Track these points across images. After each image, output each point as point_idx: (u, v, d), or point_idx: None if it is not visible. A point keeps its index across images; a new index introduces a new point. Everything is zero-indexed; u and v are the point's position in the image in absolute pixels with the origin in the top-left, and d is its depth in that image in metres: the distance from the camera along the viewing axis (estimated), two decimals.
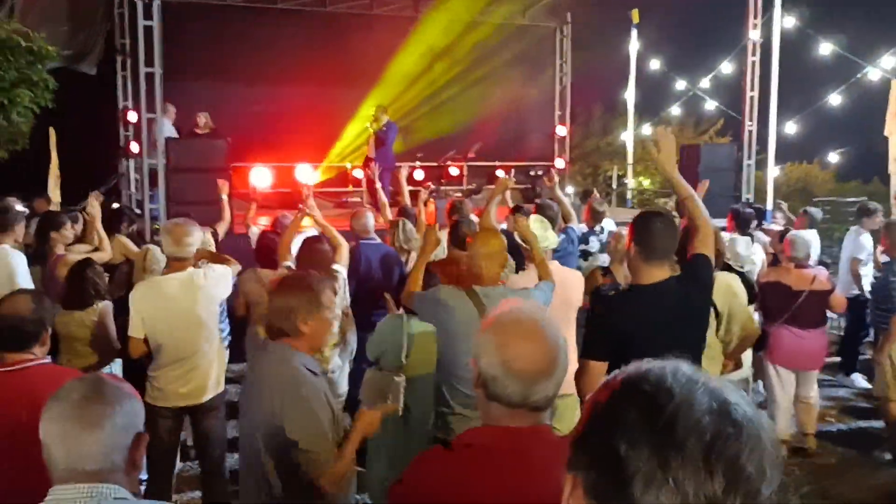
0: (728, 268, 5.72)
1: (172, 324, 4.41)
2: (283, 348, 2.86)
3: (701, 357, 3.41)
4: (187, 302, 4.41)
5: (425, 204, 7.82)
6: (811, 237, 7.46)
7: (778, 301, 6.26)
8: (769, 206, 12.53)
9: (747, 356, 5.74)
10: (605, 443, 0.91)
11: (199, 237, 4.58)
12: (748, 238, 6.38)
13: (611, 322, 3.31)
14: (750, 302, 5.71)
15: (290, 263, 5.52)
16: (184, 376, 4.48)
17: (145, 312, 4.39)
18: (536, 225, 4.86)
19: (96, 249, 6.27)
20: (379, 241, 6.41)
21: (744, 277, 5.68)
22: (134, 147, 13.11)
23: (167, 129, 12.29)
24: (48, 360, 3.17)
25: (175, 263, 4.49)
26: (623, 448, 0.88)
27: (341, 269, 5.21)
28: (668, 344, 3.20)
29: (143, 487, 4.86)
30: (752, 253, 6.10)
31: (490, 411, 1.86)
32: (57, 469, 1.80)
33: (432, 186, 8.71)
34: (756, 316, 6.01)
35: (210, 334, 4.51)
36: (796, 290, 6.25)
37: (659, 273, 3.30)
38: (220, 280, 4.54)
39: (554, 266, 4.72)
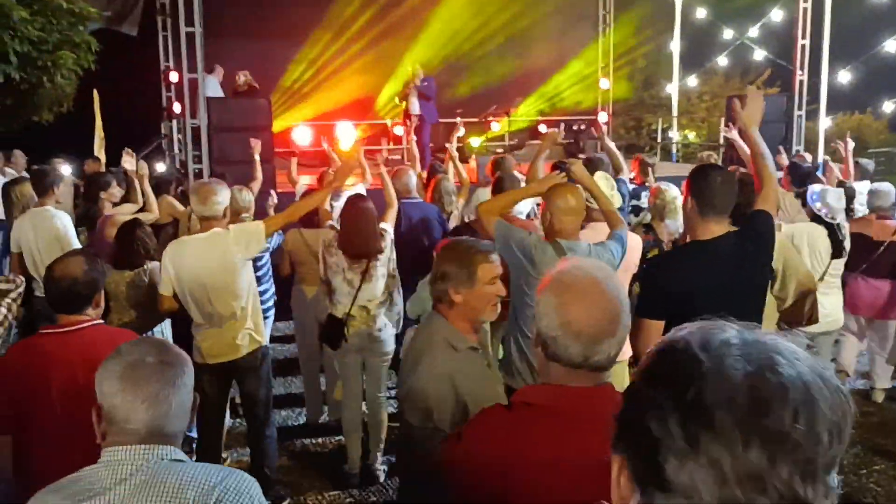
0: (818, 219, 5.62)
1: (198, 282, 4.41)
2: (434, 317, 2.75)
3: (761, 314, 3.32)
4: (211, 261, 4.39)
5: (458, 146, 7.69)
6: (863, 188, 7.24)
7: (859, 252, 6.21)
8: (820, 158, 12.19)
9: (836, 308, 5.71)
10: (638, 421, 0.86)
11: (226, 196, 4.54)
12: (840, 190, 6.16)
13: (667, 279, 3.22)
14: (838, 255, 5.60)
15: (334, 222, 5.50)
16: (216, 334, 4.51)
17: (173, 270, 4.42)
18: (602, 182, 4.63)
19: (143, 209, 6.31)
20: (420, 199, 6.34)
21: (832, 230, 5.58)
22: (176, 107, 13.17)
23: (214, 88, 12.33)
24: (101, 321, 3.17)
25: (204, 223, 4.49)
26: (654, 426, 0.83)
27: (388, 227, 5.18)
28: (728, 301, 3.09)
29: (193, 445, 4.96)
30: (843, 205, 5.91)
31: (550, 371, 1.82)
32: (116, 426, 1.79)
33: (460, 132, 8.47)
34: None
35: (238, 291, 4.48)
36: (877, 241, 6.26)
37: (717, 228, 3.21)
38: (248, 238, 4.49)
39: None
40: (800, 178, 7.29)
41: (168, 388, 1.82)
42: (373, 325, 5.10)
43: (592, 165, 5.89)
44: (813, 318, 5.16)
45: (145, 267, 5.03)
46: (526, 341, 3.79)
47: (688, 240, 3.43)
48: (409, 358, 2.68)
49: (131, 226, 5.15)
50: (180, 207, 6.88)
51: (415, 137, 11.78)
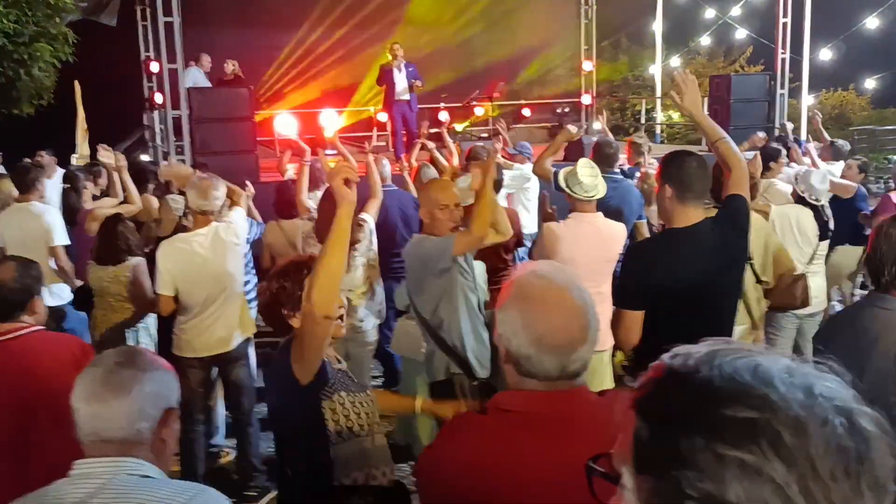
0: (802, 201, 5.55)
1: (202, 278, 4.47)
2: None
3: (737, 302, 3.31)
4: (216, 257, 4.48)
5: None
6: (836, 170, 7.26)
7: None
8: (803, 136, 12.22)
9: (822, 289, 5.64)
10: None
11: (224, 191, 4.61)
12: (825, 171, 6.11)
13: (646, 269, 3.18)
14: (825, 237, 5.53)
15: (312, 214, 5.49)
16: (212, 326, 4.55)
17: (174, 269, 4.44)
18: (586, 171, 4.48)
19: (123, 202, 6.25)
20: (395, 187, 6.32)
21: (817, 212, 5.49)
22: (158, 98, 13.06)
23: (199, 78, 12.24)
24: (41, 328, 3.10)
25: (200, 217, 4.53)
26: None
27: (369, 218, 5.17)
28: (707, 289, 3.13)
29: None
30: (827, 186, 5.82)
31: (524, 385, 1.74)
32: (83, 435, 1.77)
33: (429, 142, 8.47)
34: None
35: (235, 284, 4.60)
36: None
37: (694, 214, 3.16)
38: (241, 226, 4.61)
39: (599, 220, 4.53)
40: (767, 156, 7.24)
41: (136, 399, 1.77)
42: (353, 315, 5.06)
43: (600, 150, 5.81)
44: (806, 302, 5.16)
45: (128, 262, 5.01)
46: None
47: (663, 227, 3.41)
48: None
49: (113, 221, 5.12)
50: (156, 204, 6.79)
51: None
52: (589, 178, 4.46)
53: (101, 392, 1.77)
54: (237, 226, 4.70)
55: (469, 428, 1.81)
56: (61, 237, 5.83)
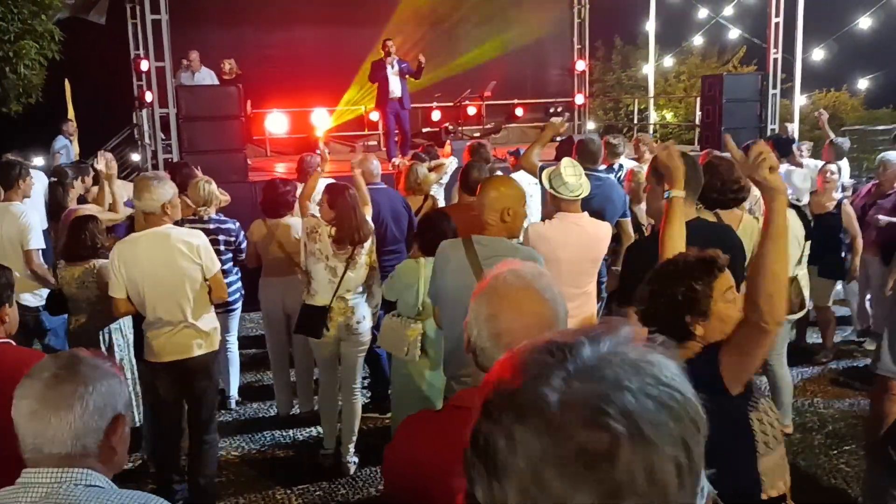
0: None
1: (148, 281, 4.29)
2: None
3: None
4: (161, 258, 4.28)
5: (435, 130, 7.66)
6: (843, 166, 7.24)
7: None
8: (796, 135, 12.19)
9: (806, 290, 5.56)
10: None
11: (165, 193, 4.30)
12: (805, 171, 6.10)
13: (642, 266, 3.18)
14: (807, 238, 5.51)
15: (315, 211, 5.42)
16: (168, 333, 4.38)
17: (123, 270, 4.27)
18: (569, 171, 4.45)
19: (109, 208, 6.18)
20: (385, 186, 6.28)
21: (800, 212, 5.45)
22: (148, 96, 12.98)
23: (208, 79, 12.20)
24: (9, 341, 2.93)
25: (151, 217, 4.32)
26: None
27: (368, 219, 5.14)
28: None
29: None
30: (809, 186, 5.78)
31: (479, 379, 1.74)
32: (26, 450, 1.71)
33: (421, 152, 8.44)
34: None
35: (189, 290, 4.37)
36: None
37: (689, 212, 3.22)
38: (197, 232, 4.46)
39: (584, 220, 4.50)
40: (783, 147, 7.25)
41: (79, 408, 1.70)
42: (351, 316, 5.08)
43: (584, 147, 5.79)
44: (802, 304, 5.11)
45: (93, 264, 4.93)
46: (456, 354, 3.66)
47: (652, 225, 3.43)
48: None
49: (85, 219, 5.05)
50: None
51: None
52: (573, 177, 4.43)
53: (40, 410, 1.70)
54: (192, 233, 4.46)
55: (424, 425, 1.86)
56: (36, 241, 5.66)
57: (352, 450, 5.26)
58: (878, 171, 7.01)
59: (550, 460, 0.72)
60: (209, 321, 4.51)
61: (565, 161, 4.60)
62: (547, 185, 4.47)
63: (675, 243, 2.99)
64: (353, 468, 5.21)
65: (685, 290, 2.46)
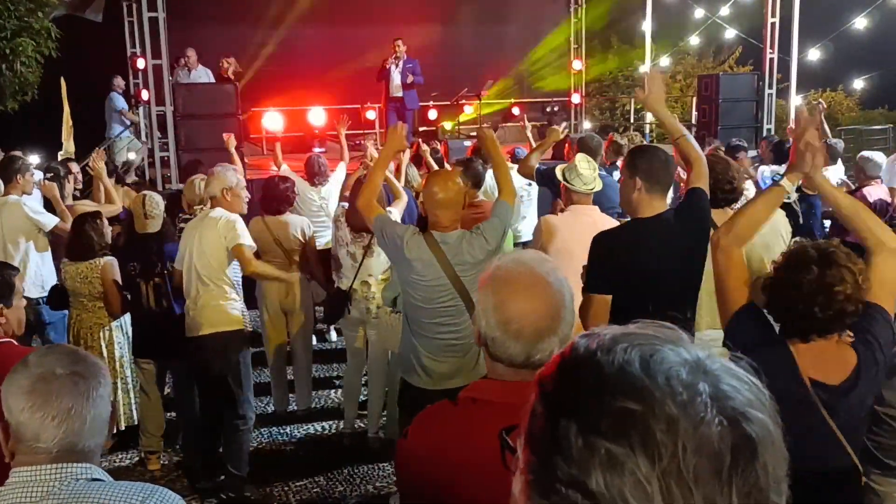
0: None
1: (185, 257, 4.74)
2: None
3: (698, 289, 3.44)
4: (200, 240, 4.68)
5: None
6: (837, 168, 7.25)
7: None
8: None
9: None
10: None
11: (228, 179, 4.80)
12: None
13: (611, 255, 3.36)
14: (795, 235, 5.57)
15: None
16: (195, 309, 4.72)
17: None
18: (584, 165, 4.48)
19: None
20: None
21: (790, 209, 5.48)
22: (144, 94, 12.96)
23: (204, 77, 12.18)
24: (10, 340, 2.85)
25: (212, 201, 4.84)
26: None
27: (395, 212, 5.12)
28: (668, 276, 3.27)
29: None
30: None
31: (495, 369, 1.78)
32: (22, 443, 1.67)
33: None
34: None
35: (210, 270, 4.70)
36: None
37: (659, 205, 3.37)
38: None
39: (596, 213, 4.52)
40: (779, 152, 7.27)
41: (81, 402, 1.68)
42: (371, 300, 5.25)
43: (584, 144, 5.86)
44: None
45: (97, 261, 4.95)
46: (418, 339, 3.65)
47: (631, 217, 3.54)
48: None
49: (87, 217, 5.10)
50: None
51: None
52: (588, 171, 4.50)
53: (59, 402, 1.66)
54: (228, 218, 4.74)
55: (438, 418, 1.86)
56: (48, 218, 5.82)
57: (374, 428, 5.48)
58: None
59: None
60: (220, 306, 4.86)
61: (580, 156, 4.67)
62: (560, 178, 4.54)
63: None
64: (377, 445, 5.41)
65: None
